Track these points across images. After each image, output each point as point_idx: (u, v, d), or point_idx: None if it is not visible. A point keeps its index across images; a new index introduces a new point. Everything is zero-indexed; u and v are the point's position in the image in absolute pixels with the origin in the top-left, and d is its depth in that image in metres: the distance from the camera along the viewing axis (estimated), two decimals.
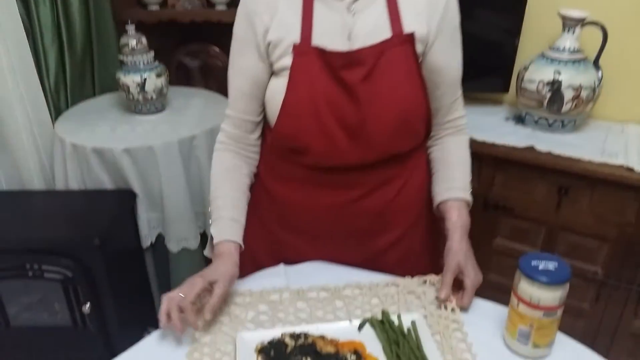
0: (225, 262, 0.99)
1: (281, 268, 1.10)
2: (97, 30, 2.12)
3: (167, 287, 1.96)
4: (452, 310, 0.96)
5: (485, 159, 1.69)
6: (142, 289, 1.92)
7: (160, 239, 1.92)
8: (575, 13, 1.64)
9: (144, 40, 1.92)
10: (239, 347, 0.88)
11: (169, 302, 0.90)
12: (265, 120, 1.08)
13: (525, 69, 1.73)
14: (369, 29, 0.97)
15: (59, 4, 1.98)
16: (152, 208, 1.85)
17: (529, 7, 1.76)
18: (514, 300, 0.88)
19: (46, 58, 1.99)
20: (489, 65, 1.87)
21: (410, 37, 0.96)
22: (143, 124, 1.94)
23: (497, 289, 1.12)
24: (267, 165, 1.11)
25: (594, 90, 1.64)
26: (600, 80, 1.66)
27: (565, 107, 1.65)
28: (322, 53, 0.95)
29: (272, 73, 1.02)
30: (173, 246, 1.88)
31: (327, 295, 1.02)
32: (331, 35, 0.96)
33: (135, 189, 1.79)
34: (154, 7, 2.30)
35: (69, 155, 1.79)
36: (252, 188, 1.13)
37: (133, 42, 1.89)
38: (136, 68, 1.90)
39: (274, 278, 1.07)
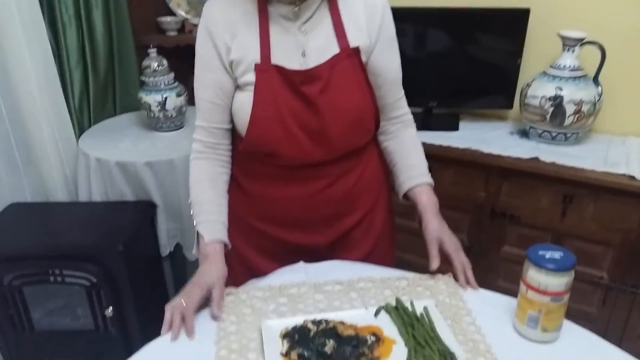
0: (217, 264, 1.09)
1: (301, 265, 1.16)
2: (119, 53, 2.22)
3: None
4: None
5: (492, 170, 1.76)
6: (160, 294, 1.96)
7: (178, 247, 1.99)
8: (574, 34, 1.71)
9: (164, 62, 2.02)
10: (264, 333, 0.94)
11: (172, 311, 0.99)
12: (234, 128, 1.18)
13: (528, 85, 1.80)
14: (319, 46, 1.09)
15: (84, 28, 2.08)
16: (171, 219, 1.91)
17: (529, 29, 1.84)
18: (523, 287, 0.93)
19: (71, 79, 2.08)
20: (493, 84, 1.95)
21: (356, 51, 1.10)
22: (163, 140, 2.02)
23: (506, 295, 1.17)
24: (242, 167, 1.22)
25: (594, 104, 1.71)
26: (600, 96, 1.72)
27: (567, 121, 1.72)
28: (281, 70, 1.06)
29: (237, 87, 1.13)
30: (190, 255, 1.94)
31: (342, 288, 1.08)
32: (287, 53, 1.08)
33: (155, 200, 1.86)
34: (172, 33, 2.41)
35: (93, 168, 1.86)
36: (229, 189, 1.23)
37: (155, 64, 1.99)
38: (157, 88, 1.99)
39: (293, 274, 1.13)
